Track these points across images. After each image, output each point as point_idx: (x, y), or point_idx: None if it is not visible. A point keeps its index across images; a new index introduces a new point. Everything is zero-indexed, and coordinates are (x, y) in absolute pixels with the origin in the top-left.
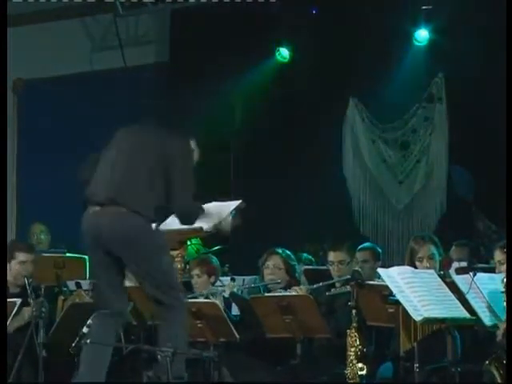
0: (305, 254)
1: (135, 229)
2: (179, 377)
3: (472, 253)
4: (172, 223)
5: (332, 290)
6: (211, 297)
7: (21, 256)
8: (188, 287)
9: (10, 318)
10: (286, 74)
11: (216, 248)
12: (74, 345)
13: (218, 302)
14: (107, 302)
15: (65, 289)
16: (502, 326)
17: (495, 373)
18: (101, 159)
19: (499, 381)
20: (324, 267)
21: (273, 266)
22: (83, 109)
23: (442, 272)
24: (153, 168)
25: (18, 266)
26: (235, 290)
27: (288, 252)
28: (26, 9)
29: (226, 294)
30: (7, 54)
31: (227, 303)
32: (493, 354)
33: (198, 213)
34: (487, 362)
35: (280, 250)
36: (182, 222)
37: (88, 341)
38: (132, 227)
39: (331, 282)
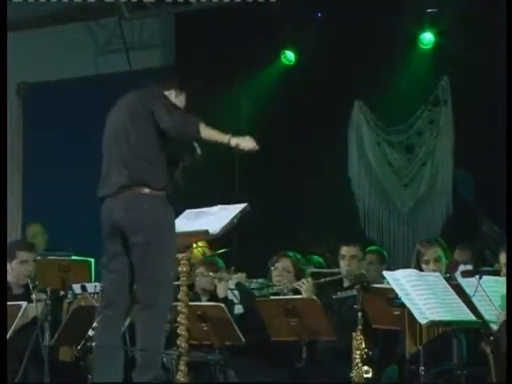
0: (315, 257)
1: (151, 215)
2: (155, 378)
3: (475, 255)
4: (178, 226)
5: (338, 293)
6: (217, 283)
7: (22, 255)
8: (192, 289)
9: (16, 321)
10: (292, 77)
11: (222, 250)
12: (79, 347)
13: (222, 288)
14: (113, 298)
15: (70, 292)
16: (501, 318)
17: (489, 353)
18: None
19: (492, 361)
20: (331, 270)
21: (281, 269)
22: (88, 112)
23: (448, 274)
24: (143, 133)
25: (19, 266)
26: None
27: (298, 256)
28: (31, 12)
29: (232, 284)
30: (13, 57)
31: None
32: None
33: (193, 121)
34: (484, 343)
35: (291, 253)
36: (178, 135)
37: (94, 344)
38: (148, 212)
39: (339, 276)
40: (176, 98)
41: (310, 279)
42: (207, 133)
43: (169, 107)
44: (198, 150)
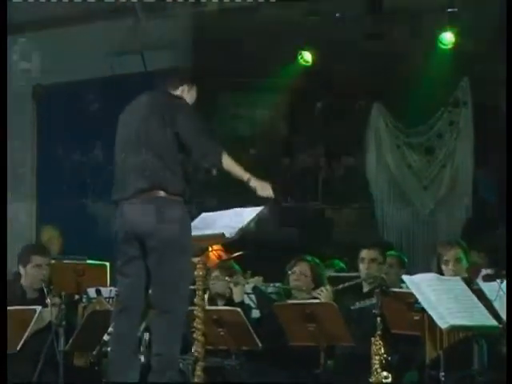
0: (337, 261)
1: (167, 219)
2: (170, 379)
3: (489, 258)
4: (194, 229)
5: (357, 303)
6: (233, 287)
7: (36, 259)
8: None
9: (31, 325)
10: (309, 78)
11: (237, 254)
12: (94, 352)
13: (239, 292)
14: (128, 302)
15: (85, 296)
16: None
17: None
18: (116, 156)
19: (505, 351)
20: (349, 274)
21: (299, 273)
22: (103, 113)
23: (467, 275)
24: (159, 135)
25: (33, 270)
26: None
27: (317, 260)
28: (46, 14)
29: (249, 288)
30: (28, 59)
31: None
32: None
33: (217, 151)
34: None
35: (309, 258)
36: (201, 161)
37: (109, 349)
38: (164, 216)
39: (357, 281)
40: (188, 92)
41: (328, 287)
42: (229, 164)
43: (194, 126)
44: (214, 172)
